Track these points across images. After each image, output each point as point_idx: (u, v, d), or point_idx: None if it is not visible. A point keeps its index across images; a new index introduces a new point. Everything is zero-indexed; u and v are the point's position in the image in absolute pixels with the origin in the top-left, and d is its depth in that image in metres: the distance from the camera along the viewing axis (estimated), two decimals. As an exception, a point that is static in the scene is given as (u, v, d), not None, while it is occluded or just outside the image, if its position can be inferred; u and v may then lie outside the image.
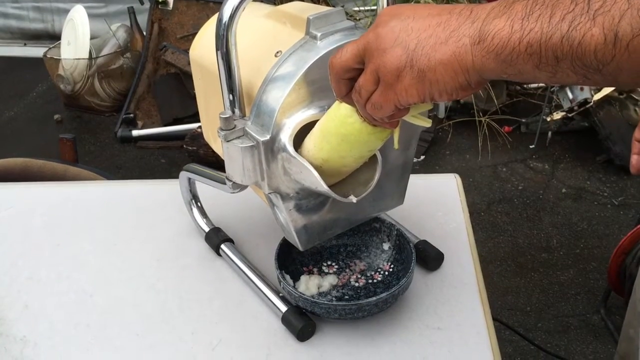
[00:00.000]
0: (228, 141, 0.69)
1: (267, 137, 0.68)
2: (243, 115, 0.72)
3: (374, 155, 0.71)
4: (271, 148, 0.68)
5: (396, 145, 0.65)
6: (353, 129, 0.62)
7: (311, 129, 0.68)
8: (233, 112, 0.71)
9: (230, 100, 0.71)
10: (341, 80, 0.57)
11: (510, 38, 0.46)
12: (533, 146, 2.75)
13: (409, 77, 0.51)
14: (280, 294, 0.82)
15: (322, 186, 0.66)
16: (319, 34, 0.69)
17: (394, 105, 0.54)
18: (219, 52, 0.68)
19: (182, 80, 3.10)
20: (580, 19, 0.42)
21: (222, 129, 0.69)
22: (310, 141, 0.68)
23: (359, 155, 0.67)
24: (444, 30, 0.50)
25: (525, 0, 0.46)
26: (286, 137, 0.68)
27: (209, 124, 0.88)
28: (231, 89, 0.70)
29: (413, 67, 0.51)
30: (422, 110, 0.61)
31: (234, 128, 0.69)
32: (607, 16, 0.41)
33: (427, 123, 0.63)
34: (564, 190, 2.48)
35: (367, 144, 0.65)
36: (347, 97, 0.59)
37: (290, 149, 0.67)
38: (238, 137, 0.69)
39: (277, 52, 0.71)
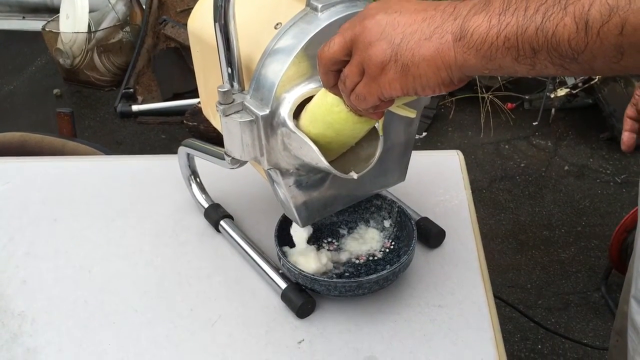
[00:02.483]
0: (227, 115, 0.68)
1: (267, 111, 0.66)
2: (242, 89, 0.70)
3: (376, 131, 0.70)
4: (270, 123, 0.67)
5: (380, 132, 0.67)
6: (339, 118, 0.63)
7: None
8: (232, 85, 0.70)
9: (228, 74, 0.69)
10: (329, 72, 0.58)
11: (488, 33, 0.47)
12: (536, 123, 2.72)
13: (393, 71, 0.52)
14: (280, 271, 0.81)
15: (323, 162, 0.65)
16: (319, 6, 0.67)
17: (377, 98, 0.55)
18: (217, 24, 0.66)
19: (183, 55, 3.07)
20: (553, 9, 0.43)
21: (220, 103, 0.67)
22: (300, 122, 0.67)
23: (345, 141, 0.68)
24: (429, 27, 0.51)
25: None
26: (286, 112, 0.66)
27: (208, 98, 0.87)
28: (230, 62, 0.68)
29: (397, 61, 0.52)
30: (406, 101, 0.62)
31: (232, 102, 0.68)
32: (578, 5, 0.42)
33: (411, 114, 0.64)
34: (566, 168, 2.47)
35: (353, 132, 0.66)
36: (334, 88, 0.60)
37: (290, 123, 0.66)
38: (237, 112, 0.68)
39: (277, 24, 0.69)
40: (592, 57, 0.43)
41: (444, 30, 0.50)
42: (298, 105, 0.67)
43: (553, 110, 2.72)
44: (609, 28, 0.41)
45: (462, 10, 0.49)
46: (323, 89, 0.64)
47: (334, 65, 0.57)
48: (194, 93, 2.90)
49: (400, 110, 0.63)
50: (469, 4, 0.49)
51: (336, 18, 0.66)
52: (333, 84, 0.59)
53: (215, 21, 0.66)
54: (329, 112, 0.64)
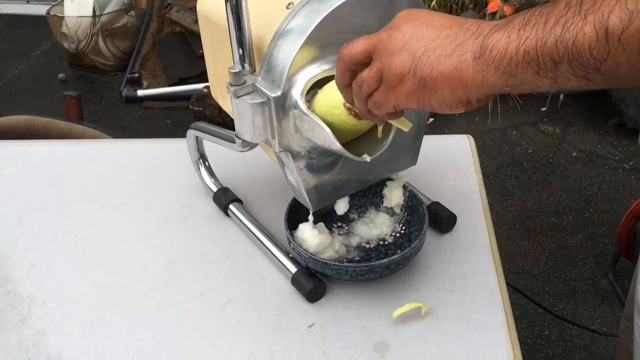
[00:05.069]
0: (238, 97, 0.67)
1: (278, 93, 0.65)
2: (253, 71, 0.69)
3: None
4: (282, 105, 0.66)
5: (380, 134, 0.69)
6: (339, 120, 0.65)
7: (324, 84, 0.66)
8: (243, 67, 0.69)
9: (240, 55, 0.68)
10: (347, 70, 0.59)
11: (507, 48, 0.47)
12: (544, 109, 2.70)
13: (410, 83, 0.53)
14: (290, 255, 0.81)
15: (336, 144, 0.64)
16: (332, -15, 0.65)
17: (393, 107, 0.56)
18: (228, 4, 0.65)
19: (188, 40, 3.05)
20: (573, 20, 0.43)
21: (231, 85, 0.66)
22: (312, 105, 0.67)
23: (343, 138, 0.69)
24: (451, 44, 0.51)
25: (525, 14, 0.47)
26: (298, 94, 0.66)
27: (218, 80, 0.86)
28: (241, 42, 0.67)
29: (416, 74, 0.52)
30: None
31: (243, 84, 0.67)
32: (597, 14, 0.42)
33: (405, 127, 0.65)
34: (574, 154, 2.45)
35: (350, 132, 0.68)
36: (347, 88, 0.60)
37: (302, 105, 0.65)
38: (248, 93, 0.67)
39: (289, 4, 0.68)
40: (616, 66, 0.42)
41: (464, 48, 0.50)
42: (310, 87, 0.66)
43: (561, 95, 2.70)
44: (630, 33, 0.40)
45: (485, 28, 0.49)
46: (326, 87, 0.65)
47: (354, 65, 0.58)
48: (199, 78, 2.89)
49: (396, 122, 0.64)
50: (492, 23, 0.50)
51: (349, -3, 0.65)
52: (347, 84, 0.60)
53: (226, 1, 0.65)
54: (328, 112, 0.65)
